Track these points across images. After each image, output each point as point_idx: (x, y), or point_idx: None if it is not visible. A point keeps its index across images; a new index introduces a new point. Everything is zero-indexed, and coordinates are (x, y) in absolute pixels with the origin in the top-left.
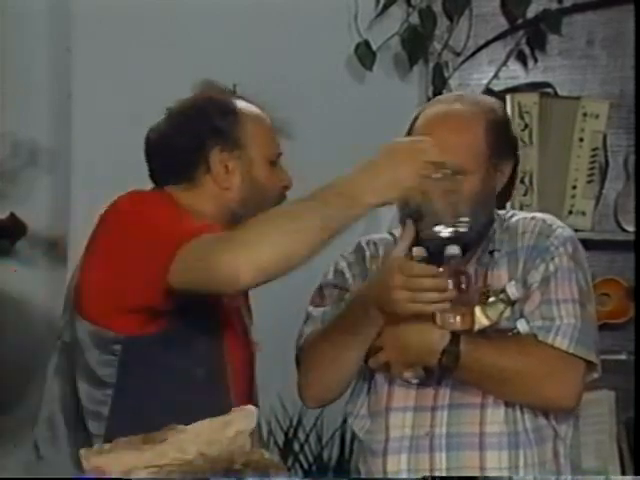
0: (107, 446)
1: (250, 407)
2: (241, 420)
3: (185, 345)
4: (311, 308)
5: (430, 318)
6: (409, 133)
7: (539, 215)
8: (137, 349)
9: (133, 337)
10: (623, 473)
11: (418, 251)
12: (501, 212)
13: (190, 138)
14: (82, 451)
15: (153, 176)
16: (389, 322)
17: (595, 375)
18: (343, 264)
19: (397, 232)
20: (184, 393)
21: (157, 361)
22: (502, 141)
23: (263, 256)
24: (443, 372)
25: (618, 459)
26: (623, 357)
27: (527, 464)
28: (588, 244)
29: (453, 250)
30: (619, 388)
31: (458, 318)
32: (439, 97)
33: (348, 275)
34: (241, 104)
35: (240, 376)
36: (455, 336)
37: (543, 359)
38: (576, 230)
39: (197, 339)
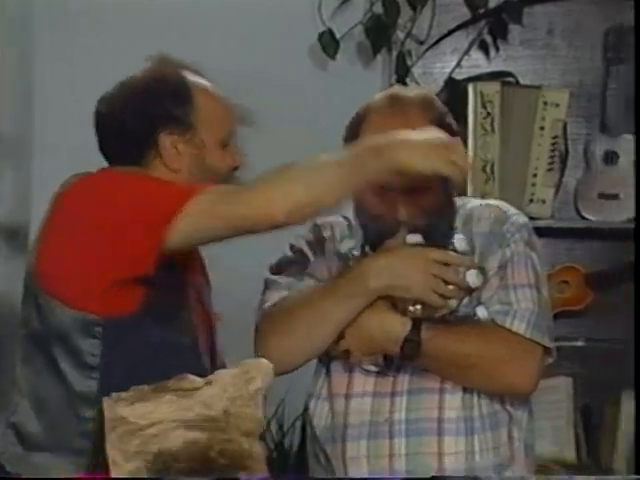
0: (125, 395)
1: (267, 362)
2: (262, 376)
3: (162, 320)
4: (273, 277)
5: (391, 306)
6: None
7: (493, 202)
8: (117, 329)
9: (113, 318)
10: (579, 459)
11: (413, 237)
12: (456, 199)
13: (141, 121)
14: (105, 400)
15: (103, 151)
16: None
17: (550, 360)
18: (301, 242)
19: (350, 215)
20: (167, 367)
21: (138, 339)
22: (450, 133)
23: (297, 195)
24: (404, 360)
25: (574, 445)
26: (580, 344)
27: (482, 448)
28: (548, 232)
29: (416, 239)
30: (576, 374)
31: (419, 306)
32: (377, 106)
33: (308, 253)
34: (195, 84)
35: (206, 349)
36: (416, 324)
37: (503, 344)
38: (536, 218)
39: (172, 314)
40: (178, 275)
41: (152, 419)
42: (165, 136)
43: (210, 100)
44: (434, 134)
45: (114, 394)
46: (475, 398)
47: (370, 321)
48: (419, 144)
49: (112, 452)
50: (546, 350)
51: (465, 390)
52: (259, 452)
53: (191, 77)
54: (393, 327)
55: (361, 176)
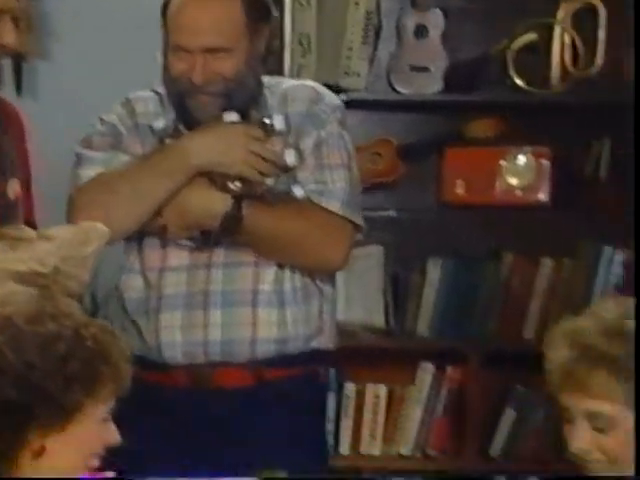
0: None
1: (103, 227)
2: (97, 240)
3: None
4: (86, 151)
5: (210, 183)
6: (163, 16)
7: (308, 82)
8: None
9: None
10: (386, 324)
11: (230, 116)
12: (269, 79)
13: None
14: None
15: None
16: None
17: (359, 236)
18: (112, 117)
19: (161, 90)
20: None
21: None
22: (259, 5)
23: None
24: (224, 236)
25: (383, 311)
26: (392, 214)
27: (294, 320)
28: (362, 104)
29: (232, 117)
30: (387, 243)
31: (238, 183)
32: None
33: (121, 128)
34: None
35: None
36: (236, 201)
37: (318, 222)
38: (351, 90)
39: None
40: None
41: None
42: None
43: None
44: None
45: None
46: (288, 272)
47: (189, 197)
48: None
49: None
50: (356, 227)
51: (279, 264)
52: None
53: None
54: (213, 203)
55: None
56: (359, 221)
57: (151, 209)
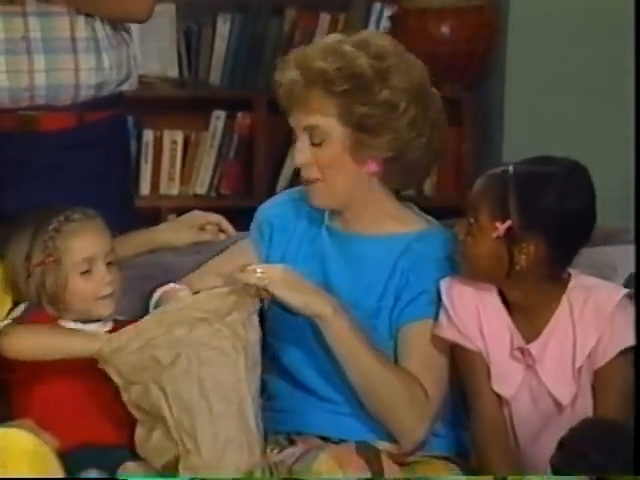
0: None
1: None
2: None
3: None
4: None
5: None
6: None
7: None
8: None
9: None
10: (180, 75)
11: None
12: None
13: None
14: None
15: None
16: None
17: None
18: None
19: None
20: None
21: None
22: None
23: None
24: None
25: (177, 63)
26: None
27: (110, 66)
28: None
29: None
30: (179, 1)
31: None
32: None
33: None
34: None
35: None
36: None
37: None
38: None
39: None
40: None
41: None
42: None
43: None
44: None
45: None
46: (98, 21)
47: None
48: None
49: None
50: None
51: (88, 14)
52: None
53: None
54: None
55: None
56: None
57: None
